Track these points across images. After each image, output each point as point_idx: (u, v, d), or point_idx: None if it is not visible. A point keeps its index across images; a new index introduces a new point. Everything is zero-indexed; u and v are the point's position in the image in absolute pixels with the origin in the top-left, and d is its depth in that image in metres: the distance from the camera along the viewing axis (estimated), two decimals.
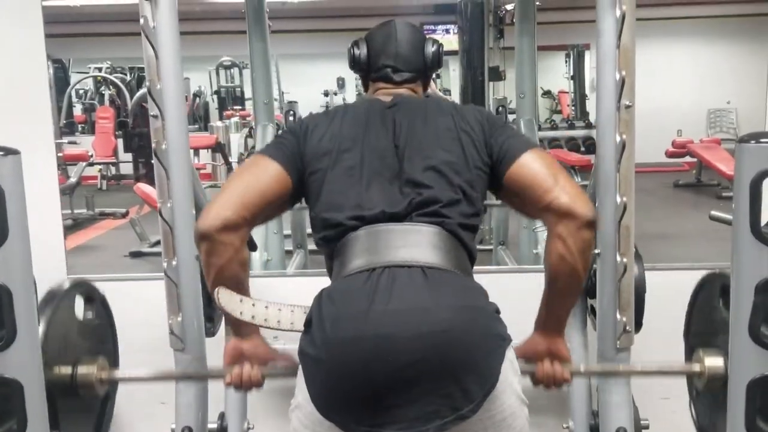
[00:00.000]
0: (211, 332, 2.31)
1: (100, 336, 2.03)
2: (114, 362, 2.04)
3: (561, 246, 1.55)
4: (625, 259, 1.85)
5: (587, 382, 2.38)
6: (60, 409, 1.73)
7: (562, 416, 2.47)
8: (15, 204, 1.44)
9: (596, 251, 1.91)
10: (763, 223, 1.22)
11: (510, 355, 1.47)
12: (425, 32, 6.85)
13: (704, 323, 1.91)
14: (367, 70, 1.83)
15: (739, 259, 1.26)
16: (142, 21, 1.79)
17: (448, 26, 7.62)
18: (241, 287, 1.62)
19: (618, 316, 1.88)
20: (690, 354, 1.88)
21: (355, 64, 1.84)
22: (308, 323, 1.49)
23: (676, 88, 10.05)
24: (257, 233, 3.39)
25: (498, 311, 1.51)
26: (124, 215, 6.26)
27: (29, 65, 2.84)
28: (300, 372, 1.48)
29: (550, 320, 1.70)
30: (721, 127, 10.08)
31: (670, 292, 2.65)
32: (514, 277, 3.04)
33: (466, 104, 1.80)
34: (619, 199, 1.83)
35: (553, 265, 1.59)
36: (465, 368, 1.39)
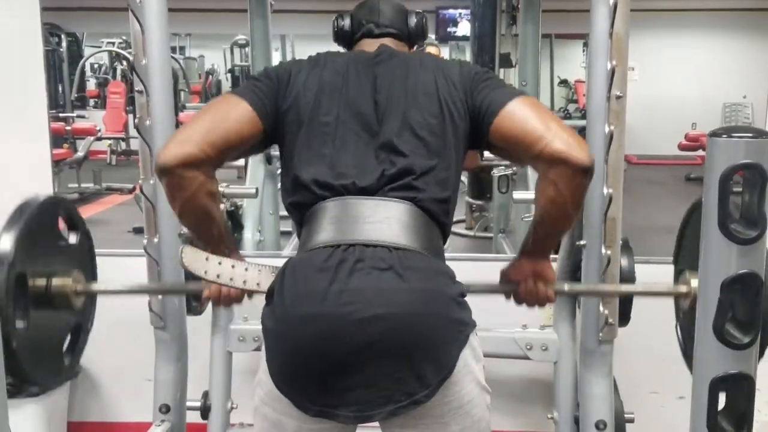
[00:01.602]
0: (197, 311, 2.31)
1: (77, 252, 1.94)
2: (91, 277, 1.95)
3: (553, 190, 1.46)
4: (609, 252, 1.82)
5: (573, 372, 2.37)
6: (36, 320, 1.69)
7: (548, 406, 2.46)
8: None
9: (582, 242, 1.88)
10: None
11: (473, 341, 1.44)
12: (441, 15, 6.70)
13: (693, 246, 1.84)
14: (351, 35, 1.78)
15: (706, 255, 1.23)
16: None
17: (461, 11, 7.58)
18: (211, 218, 1.55)
19: (601, 309, 1.86)
20: (678, 277, 1.81)
21: (338, 33, 1.79)
22: (270, 294, 1.47)
23: (692, 81, 9.96)
24: (251, 212, 3.39)
25: (463, 294, 1.47)
26: (131, 191, 6.27)
27: (23, 37, 2.83)
28: (263, 347, 1.46)
29: (537, 248, 1.62)
30: (737, 121, 9.97)
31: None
32: None
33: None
34: (606, 191, 1.80)
35: (543, 207, 1.51)
36: (421, 353, 1.36)
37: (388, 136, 1.55)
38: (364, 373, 1.36)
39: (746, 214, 1.20)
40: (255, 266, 1.55)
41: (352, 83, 1.60)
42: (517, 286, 1.63)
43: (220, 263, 1.56)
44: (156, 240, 1.89)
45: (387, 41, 1.73)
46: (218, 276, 1.56)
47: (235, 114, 1.54)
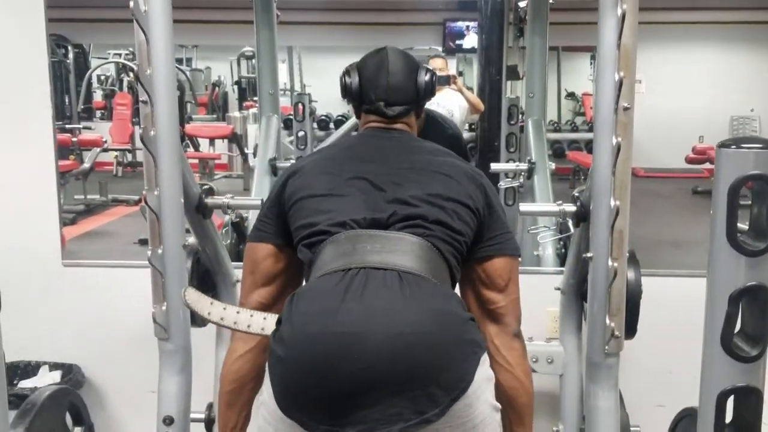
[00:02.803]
0: (200, 323, 2.30)
1: None
2: None
3: (500, 358, 1.65)
4: (616, 264, 1.80)
5: (579, 386, 2.35)
6: None
7: (553, 419, 2.45)
8: None
9: (588, 255, 1.87)
10: None
11: (485, 361, 1.45)
12: (449, 28, 6.70)
13: None
14: (359, 100, 1.80)
15: (714, 267, 1.22)
16: (132, 4, 1.77)
17: (468, 24, 7.57)
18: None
19: (607, 321, 1.84)
20: None
21: (346, 93, 1.81)
22: (279, 321, 1.47)
23: (699, 94, 9.92)
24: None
25: (473, 319, 1.49)
26: (137, 202, 6.26)
27: (29, 49, 2.84)
28: (267, 368, 1.46)
29: None
30: (744, 134, 9.93)
31: (668, 298, 2.62)
32: None
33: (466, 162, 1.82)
34: (613, 203, 1.79)
35: (500, 383, 1.62)
36: (433, 372, 1.36)
37: (400, 195, 1.59)
38: (374, 392, 1.34)
39: (755, 226, 1.19)
40: (260, 314, 1.59)
41: (362, 153, 1.70)
42: None
43: (225, 308, 1.60)
44: (160, 251, 1.88)
45: (398, 125, 1.79)
46: (222, 319, 1.58)
47: (259, 259, 1.71)
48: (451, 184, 1.65)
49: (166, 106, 1.83)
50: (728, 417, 1.27)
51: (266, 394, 1.46)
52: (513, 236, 1.76)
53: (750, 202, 1.22)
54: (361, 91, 1.78)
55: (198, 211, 2.11)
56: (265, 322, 1.56)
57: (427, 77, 1.79)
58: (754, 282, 1.18)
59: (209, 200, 2.13)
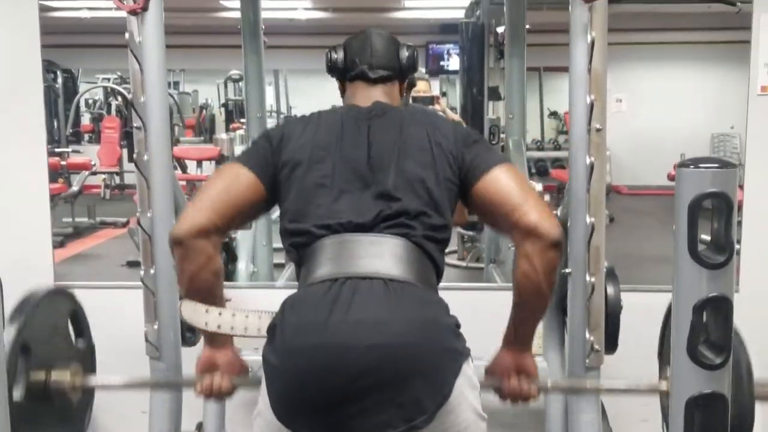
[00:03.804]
0: (191, 342, 2.34)
1: (76, 344, 2.05)
2: (90, 369, 2.06)
3: (527, 264, 1.56)
4: (593, 279, 1.87)
5: (563, 400, 2.40)
6: (34, 415, 1.77)
7: None
8: None
9: (567, 270, 1.93)
10: None
11: (467, 369, 1.50)
12: (432, 50, 6.75)
13: None
14: (344, 71, 1.85)
15: (678, 279, 1.29)
16: (127, 36, 1.84)
17: (451, 46, 7.67)
18: (214, 295, 1.65)
19: (587, 335, 1.90)
20: (661, 372, 1.88)
21: (332, 67, 1.86)
22: (271, 330, 1.52)
23: (680, 113, 10.05)
24: (244, 244, 3.44)
25: (458, 325, 1.54)
26: (125, 224, 6.30)
27: (23, 74, 2.89)
28: (263, 379, 1.51)
29: (517, 337, 1.71)
30: (725, 151, 10.05)
31: (648, 312, 2.67)
32: (501, 294, 3.07)
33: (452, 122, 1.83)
34: (588, 220, 1.86)
35: (519, 283, 1.61)
36: (418, 380, 1.42)
37: (383, 186, 1.63)
38: (364, 401, 1.41)
39: (715, 240, 1.27)
40: (255, 313, 1.62)
41: (346, 139, 1.69)
42: (501, 383, 1.72)
43: (220, 314, 1.64)
44: (152, 271, 1.94)
45: (380, 91, 1.82)
46: (219, 327, 1.64)
47: (237, 180, 1.66)
48: (435, 153, 1.66)
49: (158, 132, 1.90)
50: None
51: (262, 404, 1.52)
52: (496, 151, 1.75)
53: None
54: (345, 62, 1.84)
55: None
56: (260, 322, 1.60)
57: (408, 52, 1.86)
58: (716, 293, 1.25)
59: None
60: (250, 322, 1.61)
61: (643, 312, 2.37)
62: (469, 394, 1.49)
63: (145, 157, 1.90)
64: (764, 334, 2.83)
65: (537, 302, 1.65)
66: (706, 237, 1.31)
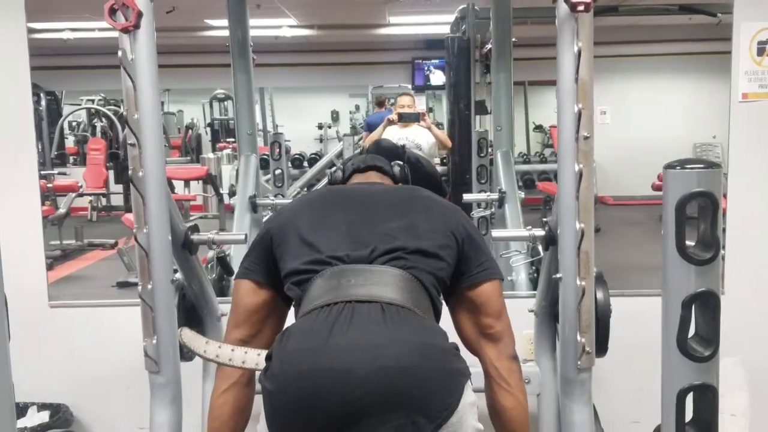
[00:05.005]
0: (188, 357, 2.36)
1: None
2: None
3: (502, 387, 1.79)
4: (584, 283, 1.91)
5: (555, 403, 2.43)
6: None
7: None
8: None
9: (558, 275, 1.97)
10: None
11: (468, 390, 1.54)
12: (417, 66, 6.79)
13: None
14: (343, 179, 2.03)
15: (667, 276, 1.33)
16: (120, 53, 1.86)
17: (437, 61, 7.72)
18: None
19: (578, 338, 1.94)
20: None
21: (334, 182, 2.05)
22: (269, 357, 1.55)
23: (663, 123, 10.12)
24: (238, 259, 3.47)
25: (457, 348, 1.58)
26: (113, 246, 6.28)
27: (14, 96, 2.91)
28: (262, 405, 1.54)
29: None
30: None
31: (637, 317, 2.72)
32: None
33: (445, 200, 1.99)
34: (578, 226, 1.90)
35: (506, 408, 1.79)
36: (416, 402, 1.44)
37: (382, 228, 1.72)
38: (362, 423, 1.43)
39: (702, 238, 1.31)
40: (254, 350, 1.70)
41: (346, 196, 1.85)
42: None
43: (219, 347, 1.69)
44: (150, 286, 1.96)
45: (374, 174, 1.99)
46: (217, 356, 1.68)
47: (242, 296, 1.82)
48: (430, 217, 1.77)
49: (153, 148, 1.92)
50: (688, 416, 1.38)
51: (262, 425, 1.54)
52: (495, 262, 1.88)
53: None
54: (344, 173, 2.03)
55: (184, 247, 2.19)
56: (259, 358, 1.65)
57: (398, 168, 2.06)
58: (703, 288, 1.30)
59: (195, 237, 2.21)
60: (249, 357, 1.68)
61: (631, 317, 2.42)
62: (469, 416, 1.53)
63: (140, 173, 1.92)
64: (749, 336, 2.89)
65: (518, 413, 1.82)
66: (691, 243, 1.35)
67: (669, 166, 1.32)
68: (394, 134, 4.46)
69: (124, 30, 1.86)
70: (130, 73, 1.88)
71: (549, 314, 2.41)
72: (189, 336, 1.76)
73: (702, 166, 1.30)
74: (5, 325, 1.59)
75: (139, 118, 1.90)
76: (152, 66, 1.91)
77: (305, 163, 8.14)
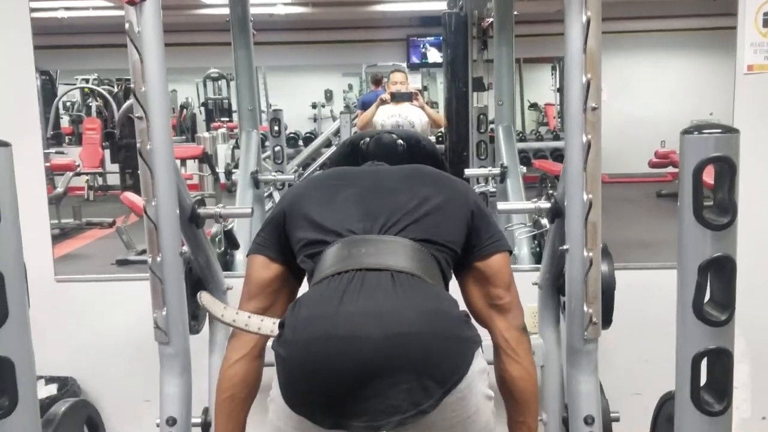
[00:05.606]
0: (195, 330, 2.38)
1: None
2: None
3: (505, 347, 1.82)
4: (591, 254, 1.92)
5: (559, 375, 2.46)
6: None
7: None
8: (7, 192, 1.52)
9: (565, 247, 1.98)
10: None
11: (478, 357, 1.55)
12: (412, 43, 6.77)
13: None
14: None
15: (684, 241, 1.34)
16: (127, 26, 1.85)
17: (433, 39, 7.69)
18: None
19: (585, 309, 1.95)
20: None
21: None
22: (281, 325, 1.56)
23: (660, 100, 10.11)
24: (243, 233, 3.48)
25: (468, 316, 1.60)
26: (111, 224, 6.29)
27: (17, 76, 2.91)
28: (276, 367, 1.55)
29: None
30: None
31: (640, 290, 2.74)
32: None
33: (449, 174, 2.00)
34: (585, 197, 1.90)
35: (506, 376, 1.82)
36: (426, 367, 1.46)
37: (392, 202, 1.75)
38: (374, 388, 1.45)
39: (719, 203, 1.32)
40: (270, 319, 1.73)
41: (356, 173, 1.88)
42: None
43: (237, 313, 1.72)
44: (159, 259, 1.96)
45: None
46: (234, 321, 1.71)
47: (254, 270, 1.86)
48: (440, 190, 1.78)
49: (160, 121, 1.92)
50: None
51: (275, 391, 1.56)
52: (503, 234, 1.90)
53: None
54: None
55: (191, 221, 2.19)
56: (274, 326, 1.68)
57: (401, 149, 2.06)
58: (719, 253, 1.30)
59: (202, 210, 2.21)
60: (264, 324, 1.71)
61: (635, 289, 2.44)
62: (479, 382, 1.54)
63: (148, 147, 1.92)
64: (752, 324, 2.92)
65: (527, 384, 1.84)
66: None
67: (686, 132, 1.32)
68: (387, 111, 4.44)
69: (131, 2, 1.85)
70: (137, 46, 1.87)
71: (553, 286, 2.43)
72: (208, 300, 1.80)
73: (719, 131, 1.30)
74: (25, 296, 1.59)
75: (147, 90, 1.89)
76: (159, 38, 1.90)
77: (300, 142, 8.13)
